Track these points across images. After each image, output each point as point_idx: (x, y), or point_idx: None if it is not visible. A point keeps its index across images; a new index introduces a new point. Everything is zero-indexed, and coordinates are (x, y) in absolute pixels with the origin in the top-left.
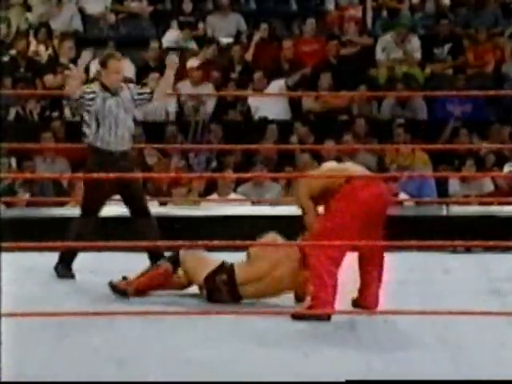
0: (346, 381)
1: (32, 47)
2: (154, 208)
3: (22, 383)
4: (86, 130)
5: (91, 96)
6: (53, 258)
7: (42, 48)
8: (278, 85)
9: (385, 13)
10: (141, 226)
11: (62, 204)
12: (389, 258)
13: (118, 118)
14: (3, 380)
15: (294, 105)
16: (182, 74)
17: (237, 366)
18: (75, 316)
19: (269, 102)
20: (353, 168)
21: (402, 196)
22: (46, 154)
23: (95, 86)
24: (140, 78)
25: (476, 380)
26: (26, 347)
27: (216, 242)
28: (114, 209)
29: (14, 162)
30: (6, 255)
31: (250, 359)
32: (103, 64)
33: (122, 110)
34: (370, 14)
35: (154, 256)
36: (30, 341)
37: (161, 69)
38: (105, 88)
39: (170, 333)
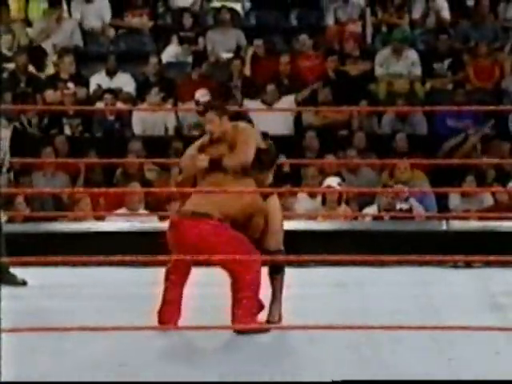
0: (346, 381)
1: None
2: (154, 223)
3: (22, 383)
4: None
5: None
6: (52, 272)
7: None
8: (288, 100)
9: (384, 28)
10: None
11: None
12: (389, 273)
13: None
14: (3, 380)
15: (299, 120)
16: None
17: None
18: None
19: (273, 117)
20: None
21: (418, 207)
22: (46, 169)
23: None
24: (140, 93)
25: (474, 380)
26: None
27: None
28: None
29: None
30: None
31: None
32: None
33: None
34: (369, 30)
35: None
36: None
37: (161, 84)
38: None
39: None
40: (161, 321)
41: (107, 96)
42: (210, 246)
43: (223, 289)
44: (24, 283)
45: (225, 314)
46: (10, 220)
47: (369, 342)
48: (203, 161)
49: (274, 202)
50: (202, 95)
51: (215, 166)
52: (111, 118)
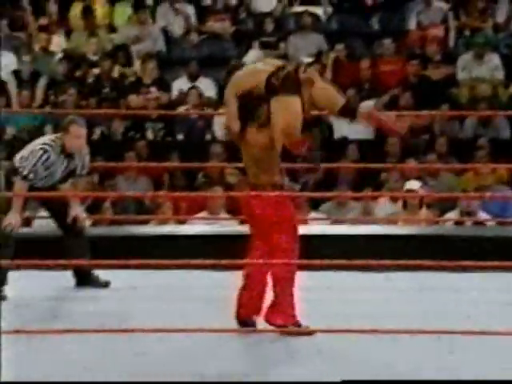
0: (345, 381)
1: (116, 68)
2: (234, 227)
3: (22, 383)
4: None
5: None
6: (134, 275)
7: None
8: (367, 105)
9: (467, 32)
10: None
11: (144, 222)
12: (470, 279)
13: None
14: (3, 380)
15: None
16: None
17: None
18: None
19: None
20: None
21: (485, 216)
22: (129, 173)
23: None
24: (221, 97)
25: (474, 380)
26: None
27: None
28: None
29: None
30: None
31: None
32: (65, 129)
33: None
34: (452, 34)
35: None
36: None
37: None
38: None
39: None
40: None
41: (192, 92)
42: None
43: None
44: (107, 284)
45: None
46: (95, 223)
47: (446, 348)
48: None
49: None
50: None
51: None
52: (193, 118)
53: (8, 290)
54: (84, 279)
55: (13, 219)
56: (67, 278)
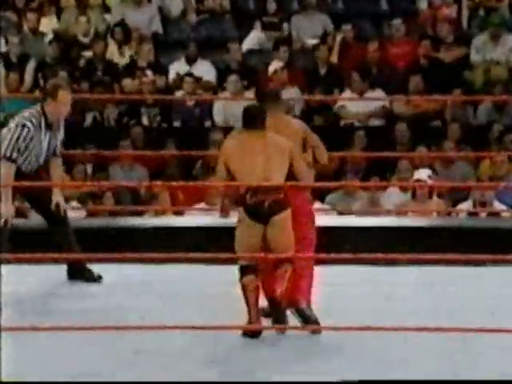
0: (345, 381)
1: (109, 50)
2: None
3: (22, 383)
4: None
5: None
6: (129, 268)
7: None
8: (377, 90)
9: (482, 12)
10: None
11: (139, 213)
12: (483, 273)
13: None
14: (3, 380)
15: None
16: (265, 77)
17: None
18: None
19: (363, 107)
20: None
21: (500, 207)
22: (124, 162)
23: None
24: (221, 80)
25: (475, 380)
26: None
27: None
28: None
29: (89, 169)
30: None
31: None
32: (51, 94)
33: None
34: (465, 13)
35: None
36: None
37: (242, 72)
38: (46, 120)
39: None
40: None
41: (188, 79)
42: None
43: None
44: (99, 278)
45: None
46: (91, 214)
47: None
48: None
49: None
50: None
51: None
52: (191, 104)
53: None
54: (77, 273)
55: (5, 211)
56: (62, 270)
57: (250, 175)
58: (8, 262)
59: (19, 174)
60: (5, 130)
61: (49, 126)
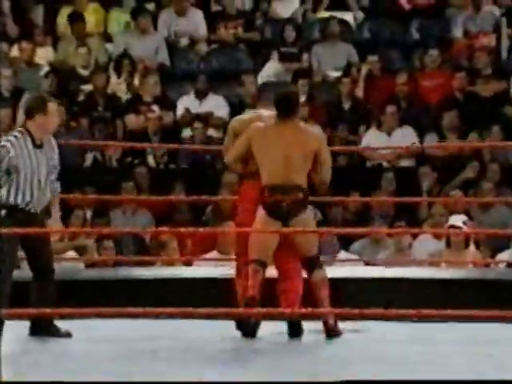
0: (345, 381)
1: (112, 83)
2: None
3: (22, 383)
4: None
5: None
6: (126, 325)
7: (122, 84)
8: (407, 127)
9: None
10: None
11: (144, 264)
12: None
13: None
14: (3, 380)
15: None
16: None
17: None
18: None
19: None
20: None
21: None
22: (127, 206)
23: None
24: (234, 116)
25: (475, 380)
26: None
27: None
28: None
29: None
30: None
31: None
32: (41, 108)
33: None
34: (505, 43)
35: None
36: None
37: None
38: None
39: None
40: None
41: (197, 125)
42: None
43: None
44: (68, 335)
45: None
46: (89, 265)
47: None
48: None
49: None
50: None
51: None
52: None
53: None
54: (42, 328)
55: None
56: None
57: (271, 164)
58: None
59: (19, 210)
60: None
61: (36, 146)
